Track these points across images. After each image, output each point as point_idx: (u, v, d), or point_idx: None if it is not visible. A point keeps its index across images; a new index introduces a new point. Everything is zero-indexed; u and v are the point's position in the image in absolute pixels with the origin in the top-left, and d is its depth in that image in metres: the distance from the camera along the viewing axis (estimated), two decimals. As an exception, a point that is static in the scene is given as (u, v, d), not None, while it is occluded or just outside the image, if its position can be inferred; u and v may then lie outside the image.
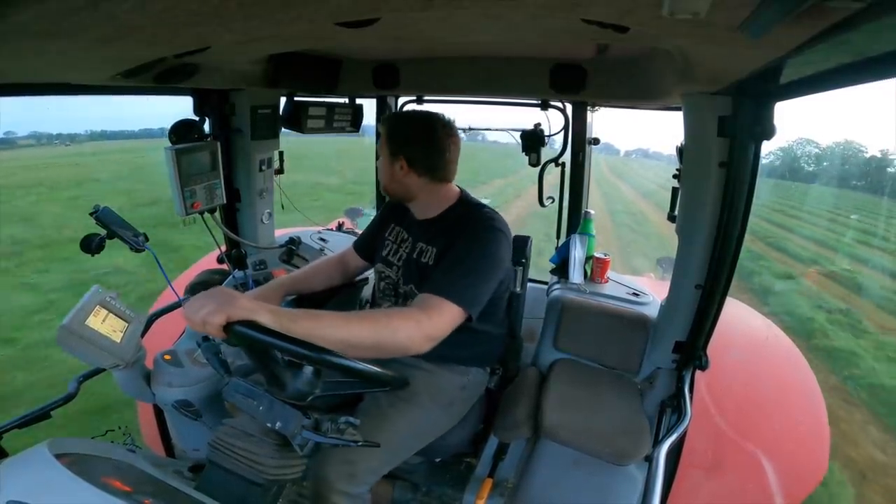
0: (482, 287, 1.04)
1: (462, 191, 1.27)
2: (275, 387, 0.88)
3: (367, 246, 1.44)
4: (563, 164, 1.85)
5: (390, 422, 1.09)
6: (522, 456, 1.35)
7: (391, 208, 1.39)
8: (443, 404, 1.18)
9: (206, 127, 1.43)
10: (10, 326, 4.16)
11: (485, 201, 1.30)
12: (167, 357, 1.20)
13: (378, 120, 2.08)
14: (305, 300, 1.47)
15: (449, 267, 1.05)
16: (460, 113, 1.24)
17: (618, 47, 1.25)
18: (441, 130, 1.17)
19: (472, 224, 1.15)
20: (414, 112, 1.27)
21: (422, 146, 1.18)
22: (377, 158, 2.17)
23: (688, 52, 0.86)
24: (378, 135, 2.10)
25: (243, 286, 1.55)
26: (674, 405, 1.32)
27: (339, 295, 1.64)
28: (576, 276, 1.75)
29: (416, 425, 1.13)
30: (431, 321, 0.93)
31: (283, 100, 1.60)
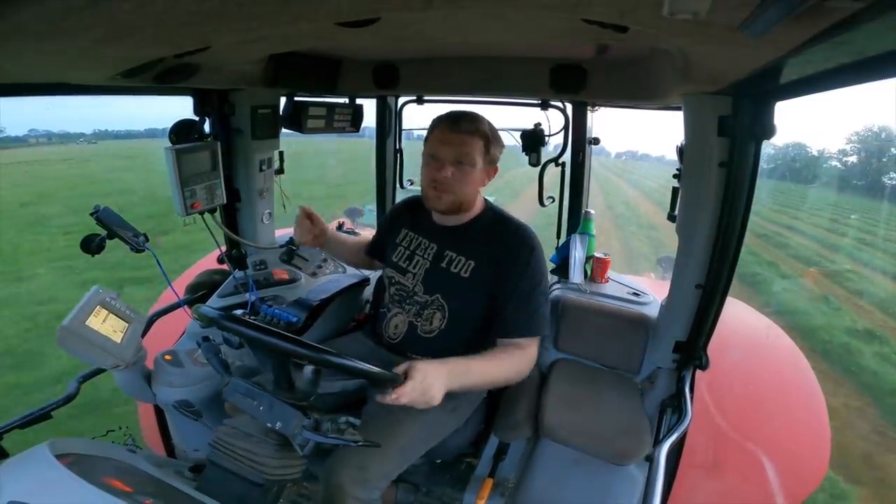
0: (547, 307, 1.17)
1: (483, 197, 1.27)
2: (281, 388, 0.88)
3: (376, 250, 1.46)
4: (563, 164, 1.85)
5: (400, 426, 1.09)
6: (523, 456, 1.35)
7: (402, 212, 1.37)
8: (449, 408, 1.18)
9: (206, 127, 1.43)
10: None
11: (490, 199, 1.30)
12: (168, 357, 1.20)
13: (383, 120, 2.07)
14: (314, 308, 1.51)
15: (519, 306, 1.13)
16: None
17: (618, 47, 1.24)
18: None
19: (517, 246, 1.16)
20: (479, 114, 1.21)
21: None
22: (378, 160, 2.18)
23: (688, 52, 0.86)
24: (376, 133, 2.14)
25: (243, 286, 1.55)
26: (674, 405, 1.32)
27: (341, 296, 1.64)
28: (576, 275, 1.75)
29: (425, 429, 1.13)
30: (530, 357, 1.14)
31: (283, 100, 1.60)
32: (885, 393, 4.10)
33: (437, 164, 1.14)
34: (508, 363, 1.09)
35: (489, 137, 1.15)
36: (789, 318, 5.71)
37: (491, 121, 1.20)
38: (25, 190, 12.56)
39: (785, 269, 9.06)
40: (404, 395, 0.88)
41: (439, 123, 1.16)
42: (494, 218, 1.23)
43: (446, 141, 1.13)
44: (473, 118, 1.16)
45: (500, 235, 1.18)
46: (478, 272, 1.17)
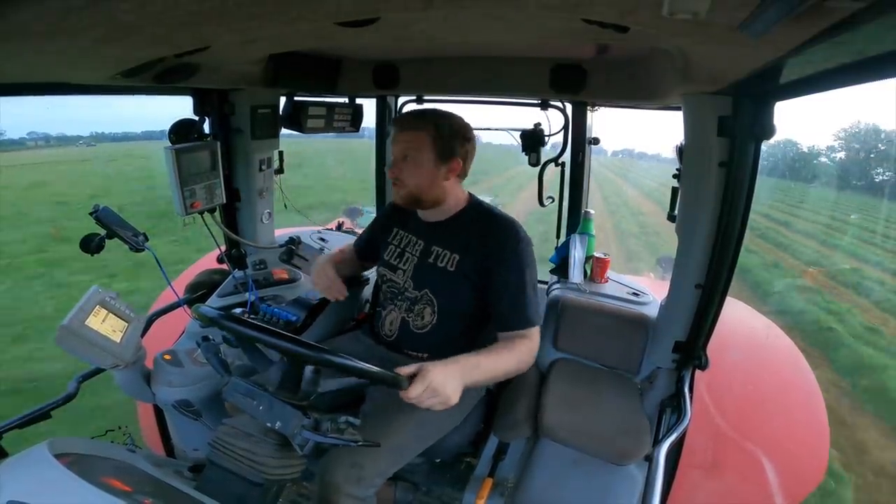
0: (537, 297, 1.18)
1: (467, 191, 1.28)
2: (286, 389, 0.88)
3: (369, 251, 1.45)
4: (563, 164, 1.85)
5: (395, 424, 1.09)
6: (522, 455, 1.35)
7: (392, 212, 1.38)
8: None
9: (206, 127, 1.43)
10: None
11: (487, 199, 1.30)
12: (167, 357, 1.20)
13: (383, 120, 2.07)
14: (313, 307, 1.50)
15: (515, 298, 1.14)
16: (459, 113, 1.24)
17: (618, 47, 1.24)
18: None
19: (503, 239, 1.17)
20: (445, 111, 1.22)
21: (471, 146, 1.21)
22: (378, 160, 2.19)
23: (688, 52, 0.86)
24: (376, 133, 2.14)
25: (243, 286, 1.55)
26: (674, 405, 1.32)
27: None
28: (575, 275, 1.75)
29: (421, 427, 1.13)
30: (534, 345, 1.14)
31: (283, 99, 1.60)
32: (807, 323, 5.73)
33: (392, 161, 1.21)
34: (516, 354, 1.10)
35: (436, 132, 1.16)
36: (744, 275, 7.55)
37: (488, 121, 1.22)
38: (80, 186, 13.83)
39: (749, 245, 11.07)
40: (412, 397, 0.88)
41: (392, 125, 1.23)
42: (480, 212, 1.24)
43: (395, 139, 1.20)
44: (419, 115, 1.21)
45: (485, 229, 1.19)
46: (463, 265, 1.19)
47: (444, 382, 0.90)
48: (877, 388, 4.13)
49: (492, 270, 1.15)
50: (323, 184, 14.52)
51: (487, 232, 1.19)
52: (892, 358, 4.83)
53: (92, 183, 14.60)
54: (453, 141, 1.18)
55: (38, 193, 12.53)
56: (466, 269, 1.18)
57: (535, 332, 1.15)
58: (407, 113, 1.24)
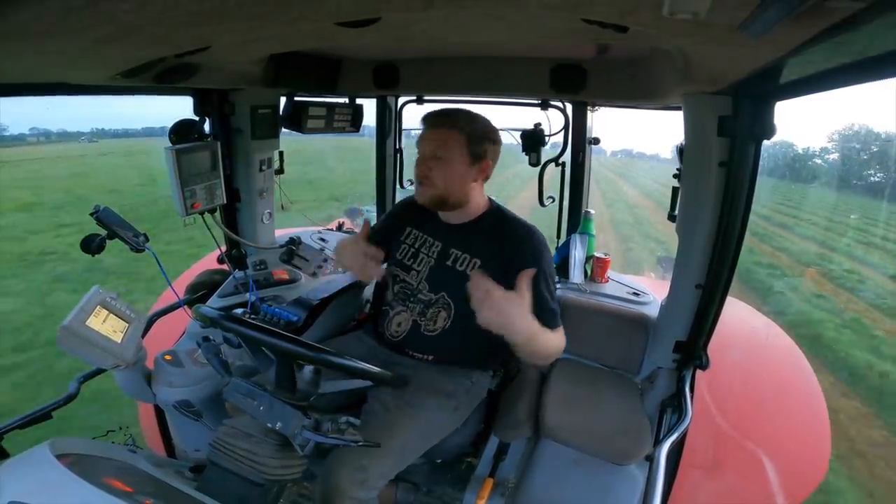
0: (556, 300, 1.20)
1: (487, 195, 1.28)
2: (283, 388, 0.88)
3: (382, 246, 1.41)
4: (563, 164, 1.85)
5: (399, 426, 1.09)
6: (523, 456, 1.35)
7: (406, 211, 1.36)
8: (449, 407, 1.18)
9: (207, 127, 1.43)
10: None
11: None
12: (168, 357, 1.20)
13: (383, 121, 2.07)
14: (314, 307, 1.50)
15: (542, 305, 1.13)
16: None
17: (618, 47, 1.24)
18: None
19: (524, 246, 1.17)
20: (473, 112, 1.21)
21: (497, 148, 1.20)
22: (378, 161, 2.18)
23: (688, 52, 0.87)
24: (376, 133, 2.13)
25: (243, 286, 1.55)
26: (674, 405, 1.32)
27: (342, 295, 1.64)
28: (576, 275, 1.75)
29: (424, 428, 1.13)
30: (562, 341, 1.16)
31: (283, 99, 1.60)
32: (771, 292, 7.16)
33: (419, 159, 1.19)
34: (552, 337, 1.10)
35: (470, 132, 1.15)
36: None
37: (489, 119, 1.20)
38: (121, 177, 15.31)
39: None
40: (478, 284, 0.92)
41: (422, 121, 1.21)
42: (500, 217, 1.24)
43: (426, 137, 1.18)
44: (451, 114, 1.18)
45: (506, 234, 1.19)
46: (484, 270, 1.16)
47: (502, 300, 0.92)
48: (813, 335, 5.32)
49: (515, 277, 1.13)
50: (340, 177, 15.61)
51: (508, 238, 1.18)
52: (829, 314, 6.29)
53: (129, 174, 15.69)
54: (484, 142, 1.17)
55: (83, 183, 13.85)
56: (488, 274, 1.16)
57: (560, 331, 1.16)
58: (438, 111, 1.21)
